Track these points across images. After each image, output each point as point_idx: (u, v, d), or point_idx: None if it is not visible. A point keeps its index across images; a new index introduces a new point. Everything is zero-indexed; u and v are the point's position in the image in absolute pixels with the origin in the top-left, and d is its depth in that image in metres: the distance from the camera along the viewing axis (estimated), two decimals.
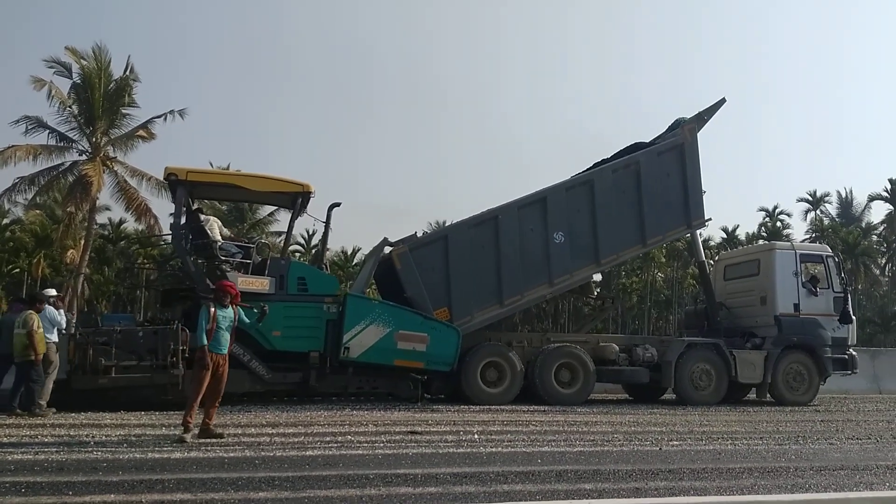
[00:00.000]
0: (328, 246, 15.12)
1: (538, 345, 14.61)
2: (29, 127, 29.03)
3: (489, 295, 14.12)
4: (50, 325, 11.53)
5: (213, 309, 9.07)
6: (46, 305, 11.86)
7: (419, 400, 13.34)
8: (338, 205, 13.83)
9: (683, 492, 6.33)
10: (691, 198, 15.37)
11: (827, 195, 64.56)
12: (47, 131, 29.60)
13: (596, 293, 17.49)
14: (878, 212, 60.80)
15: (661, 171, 15.29)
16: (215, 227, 13.17)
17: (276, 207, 37.47)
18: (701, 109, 16.12)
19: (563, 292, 16.08)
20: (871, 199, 60.52)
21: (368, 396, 13.72)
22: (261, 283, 12.60)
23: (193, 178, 13.08)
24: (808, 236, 56.69)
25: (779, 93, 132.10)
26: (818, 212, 62.74)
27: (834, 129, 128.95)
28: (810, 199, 62.81)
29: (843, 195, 67.38)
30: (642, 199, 15.01)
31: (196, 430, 8.79)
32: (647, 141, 16.59)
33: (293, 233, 14.62)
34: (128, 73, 31.10)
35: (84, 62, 30.02)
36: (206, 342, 8.90)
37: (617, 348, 14.75)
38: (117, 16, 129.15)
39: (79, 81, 29.99)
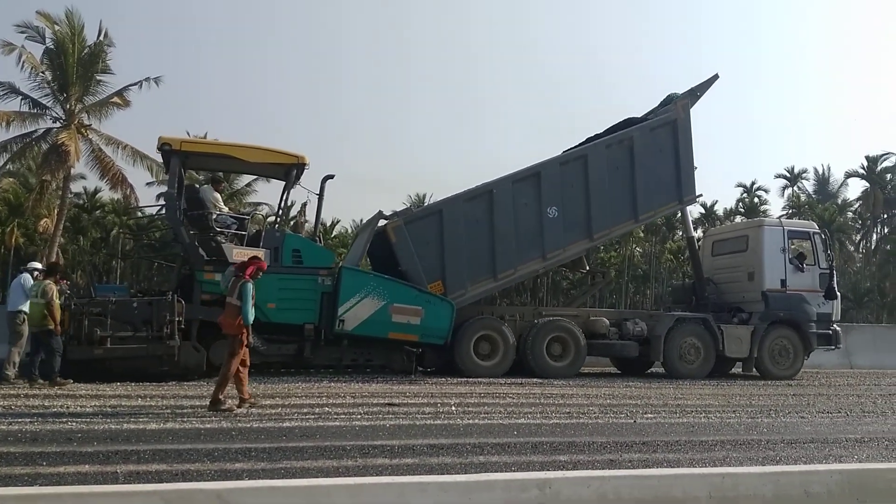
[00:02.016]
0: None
1: (530, 318, 14.84)
2: (1, 93, 28.60)
3: (483, 269, 14.32)
4: (23, 296, 11.53)
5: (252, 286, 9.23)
6: (24, 275, 11.88)
7: (413, 372, 13.55)
8: (331, 177, 13.85)
9: (657, 463, 6.42)
10: (683, 174, 15.60)
11: (804, 171, 65.40)
12: (20, 97, 29.13)
13: (588, 268, 17.73)
14: (855, 189, 61.86)
15: (653, 147, 15.48)
16: (218, 197, 13.21)
17: (254, 177, 37.43)
18: (693, 85, 16.29)
19: (555, 266, 16.31)
20: (848, 175, 61.38)
21: (363, 368, 13.87)
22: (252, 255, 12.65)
23: (188, 149, 13.06)
24: (784, 212, 57.50)
25: (760, 70, 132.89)
26: (795, 188, 63.58)
27: (813, 106, 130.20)
28: (788, 175, 63.62)
29: (821, 172, 68.31)
30: (635, 174, 15.21)
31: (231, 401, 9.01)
32: (640, 116, 16.77)
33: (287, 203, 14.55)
34: (102, 38, 30.61)
35: (57, 27, 29.45)
36: (251, 321, 9.12)
37: (607, 322, 15.04)
38: None
39: (52, 47, 29.43)
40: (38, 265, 12.65)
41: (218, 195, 13.36)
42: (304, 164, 13.48)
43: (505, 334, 14.14)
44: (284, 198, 13.90)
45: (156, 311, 11.93)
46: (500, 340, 14.11)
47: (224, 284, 9.62)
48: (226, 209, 13.81)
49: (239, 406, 8.96)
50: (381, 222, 14.20)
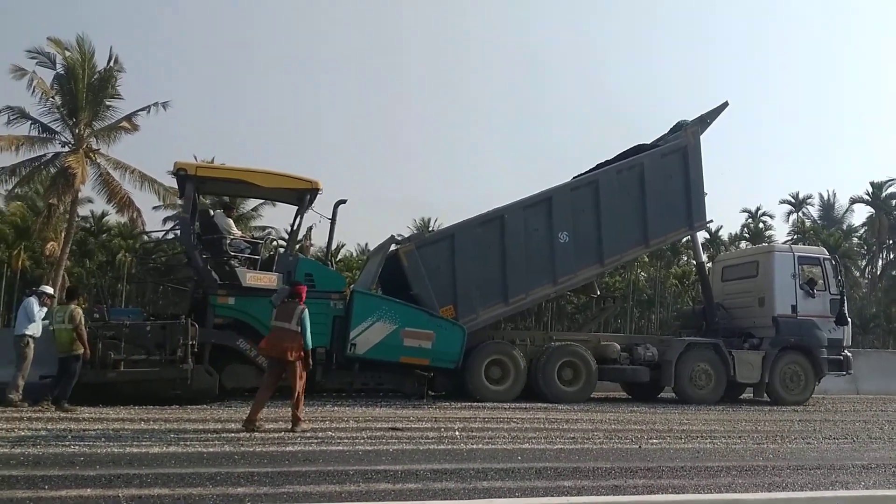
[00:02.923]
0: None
1: (541, 343, 14.88)
2: (11, 117, 29.15)
3: (494, 293, 14.37)
4: (27, 320, 11.53)
5: None
6: (30, 299, 11.92)
7: (424, 396, 13.57)
8: (344, 202, 13.90)
9: (662, 490, 6.40)
10: (693, 199, 15.67)
11: (809, 197, 65.69)
12: (30, 122, 29.50)
13: (598, 293, 17.77)
14: (860, 214, 62.14)
15: (664, 173, 15.56)
16: (231, 223, 13.31)
17: (261, 201, 37.52)
18: (703, 112, 16.42)
19: (566, 291, 16.35)
20: (853, 201, 61.69)
21: (374, 392, 13.88)
22: (269, 279, 12.72)
23: (203, 174, 13.15)
24: (789, 238, 57.63)
25: (765, 95, 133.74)
26: (800, 214, 63.80)
27: (818, 132, 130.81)
28: (793, 200, 63.83)
29: (826, 197, 68.65)
30: (646, 200, 15.29)
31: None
32: (650, 143, 16.88)
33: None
34: (112, 64, 30.99)
35: (67, 53, 29.86)
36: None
37: (619, 347, 15.06)
38: (99, 7, 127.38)
39: (62, 72, 29.82)
40: (49, 289, 12.69)
41: (231, 221, 13.47)
42: (318, 190, 13.54)
43: (516, 359, 14.15)
44: (299, 223, 13.92)
45: (169, 335, 11.91)
46: (512, 365, 14.11)
47: (277, 301, 9.92)
48: (239, 234, 13.90)
49: (245, 427, 9.09)
50: (393, 246, 14.29)
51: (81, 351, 11.12)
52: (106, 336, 11.73)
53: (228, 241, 13.03)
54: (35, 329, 11.54)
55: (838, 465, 7.99)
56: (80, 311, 11.35)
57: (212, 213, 13.45)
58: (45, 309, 11.93)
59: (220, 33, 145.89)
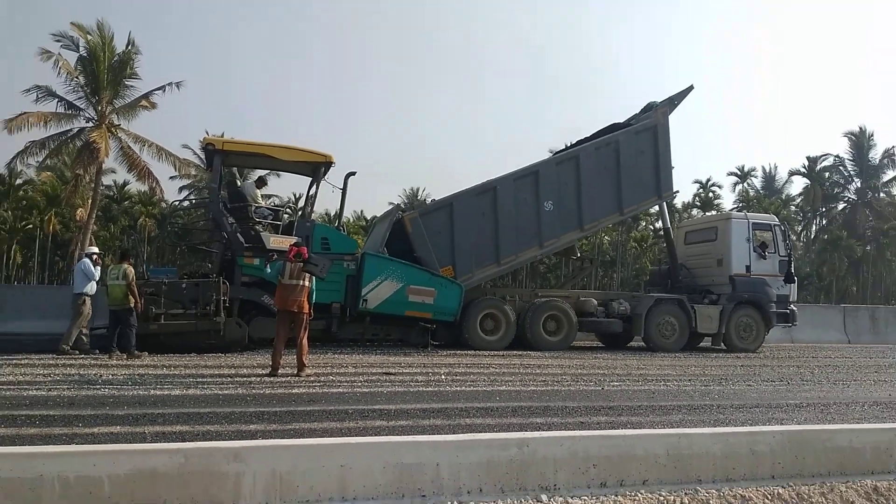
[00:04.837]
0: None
1: (528, 299, 15.10)
2: (40, 95, 28.43)
3: (488, 255, 14.53)
4: (85, 279, 11.62)
5: None
6: (85, 260, 11.97)
7: (427, 346, 13.80)
8: (353, 173, 13.95)
9: (621, 425, 6.43)
10: (662, 173, 15.82)
11: (753, 170, 65.99)
12: (56, 100, 28.94)
13: (578, 255, 17.99)
14: (797, 185, 62.78)
15: (636, 149, 15.67)
16: (258, 193, 13.34)
17: (265, 171, 37.25)
18: (672, 94, 16.53)
19: (551, 253, 16.57)
20: (791, 173, 62.18)
21: (383, 342, 14.08)
22: (289, 242, 12.80)
23: (229, 148, 13.16)
24: (735, 206, 58.09)
25: (716, 78, 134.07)
26: (745, 184, 64.25)
27: (762, 112, 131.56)
28: (739, 173, 64.14)
29: (767, 170, 69.11)
30: (620, 173, 15.43)
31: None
32: (623, 121, 17.00)
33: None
34: (130, 47, 30.45)
35: (89, 37, 29.26)
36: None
37: (595, 302, 15.33)
38: None
39: (85, 55, 29.24)
40: (96, 249, 12.75)
41: (258, 191, 13.51)
42: (332, 163, 13.58)
43: (507, 313, 14.39)
44: (315, 192, 13.97)
45: (203, 292, 12.03)
46: (503, 318, 14.35)
47: (324, 273, 10.23)
48: (261, 202, 13.93)
49: (271, 374, 9.29)
50: (399, 214, 14.42)
51: (133, 304, 11.23)
52: (147, 293, 11.82)
53: (254, 209, 13.07)
54: (91, 288, 11.64)
55: (774, 404, 8.15)
56: (132, 270, 11.42)
57: (239, 183, 13.45)
58: (98, 267, 11.99)
59: (232, 11, 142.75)
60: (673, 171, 16.10)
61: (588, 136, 16.72)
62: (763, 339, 16.09)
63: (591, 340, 17.28)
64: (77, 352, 11.33)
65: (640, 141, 15.79)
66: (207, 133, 28.85)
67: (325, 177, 13.83)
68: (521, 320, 14.54)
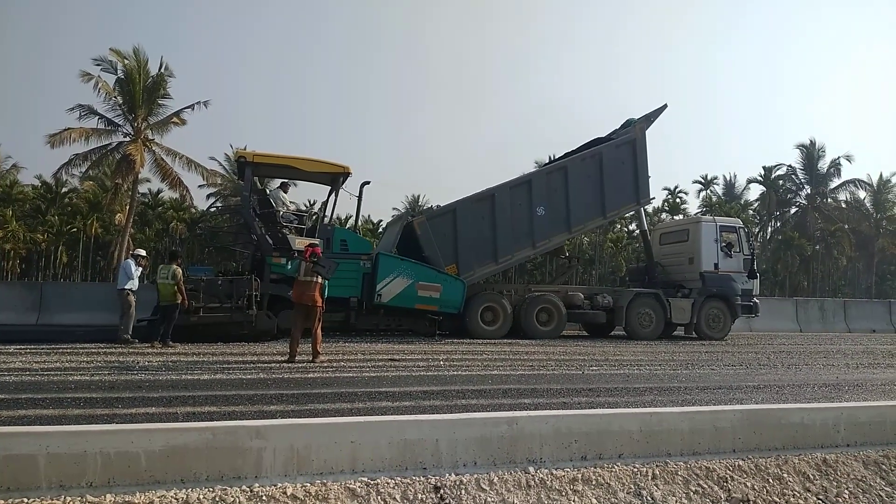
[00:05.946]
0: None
1: (523, 294, 15.20)
2: (82, 113, 28.47)
3: (487, 255, 14.62)
4: (126, 277, 11.62)
5: None
6: (127, 261, 11.99)
7: (434, 335, 13.90)
8: (368, 183, 14.04)
9: (599, 405, 6.45)
10: (640, 181, 15.92)
11: (715, 178, 66.24)
12: (97, 117, 28.95)
13: (567, 254, 18.10)
14: (755, 192, 63.14)
15: (617, 161, 15.77)
16: (286, 197, 13.41)
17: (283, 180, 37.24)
18: (648, 112, 16.65)
19: (543, 253, 16.68)
20: (749, 181, 62.46)
21: (395, 332, 14.16)
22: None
23: (259, 160, 13.18)
24: (699, 210, 58.33)
25: (682, 95, 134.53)
26: (709, 191, 64.46)
27: (722, 125, 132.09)
28: (703, 181, 64.35)
29: (728, 178, 69.27)
30: (603, 181, 15.52)
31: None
32: (604, 136, 17.12)
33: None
34: (162, 70, 30.47)
35: (126, 61, 29.28)
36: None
37: (582, 296, 15.43)
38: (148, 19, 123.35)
39: (122, 77, 29.23)
40: (143, 252, 12.77)
41: (285, 196, 13.56)
42: (349, 173, 13.65)
43: (504, 305, 14.49)
44: (334, 200, 14.05)
45: (236, 287, 12.10)
46: (501, 310, 14.45)
47: (331, 274, 9.97)
48: (289, 206, 13.97)
49: (289, 361, 9.32)
50: (408, 218, 14.54)
51: (180, 300, 11.30)
52: (188, 289, 11.88)
53: (281, 214, 13.14)
54: (133, 284, 11.64)
55: (735, 386, 8.17)
56: (180, 270, 11.49)
57: (268, 191, 13.51)
58: (140, 268, 12.03)
59: (247, 32, 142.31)
60: (650, 179, 16.20)
61: (574, 149, 16.82)
62: (730, 328, 16.21)
63: (577, 330, 17.38)
64: (136, 340, 11.36)
65: (621, 153, 15.89)
66: (232, 147, 28.97)
67: (343, 185, 13.94)
68: (516, 312, 14.63)
